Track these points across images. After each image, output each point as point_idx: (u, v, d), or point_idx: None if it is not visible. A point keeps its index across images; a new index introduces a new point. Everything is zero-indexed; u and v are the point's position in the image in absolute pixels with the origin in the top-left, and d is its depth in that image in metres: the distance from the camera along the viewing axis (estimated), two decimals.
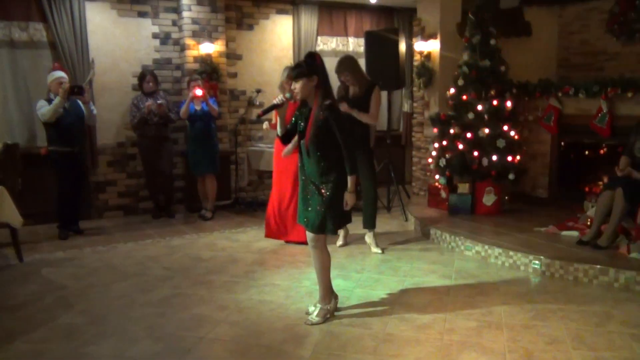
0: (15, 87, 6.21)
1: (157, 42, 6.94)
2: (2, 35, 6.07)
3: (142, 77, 6.48)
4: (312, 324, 3.56)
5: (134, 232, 6.04)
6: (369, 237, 5.28)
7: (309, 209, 3.57)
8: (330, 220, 3.53)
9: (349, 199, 3.51)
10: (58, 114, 5.53)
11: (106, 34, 6.64)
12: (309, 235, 3.60)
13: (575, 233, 5.11)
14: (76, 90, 5.61)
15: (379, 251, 5.15)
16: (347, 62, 4.99)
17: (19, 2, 6.12)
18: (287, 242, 5.44)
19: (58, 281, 4.46)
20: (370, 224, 5.26)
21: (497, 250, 4.82)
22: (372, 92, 4.97)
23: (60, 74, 5.70)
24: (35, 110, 5.73)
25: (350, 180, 3.50)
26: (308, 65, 3.48)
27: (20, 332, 3.49)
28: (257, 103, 7.25)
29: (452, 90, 6.23)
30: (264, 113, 3.81)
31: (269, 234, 5.49)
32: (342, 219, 3.62)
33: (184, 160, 7.02)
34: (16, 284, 4.42)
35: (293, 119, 3.68)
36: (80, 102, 5.80)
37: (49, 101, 5.55)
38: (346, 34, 8.18)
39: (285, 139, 3.80)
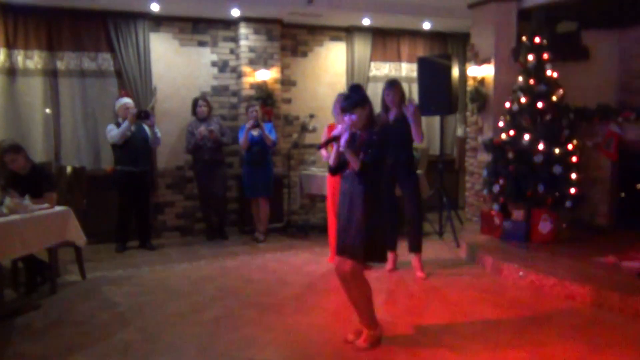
0: (84, 113, 6.62)
1: (215, 69, 7.24)
2: (74, 65, 6.52)
3: (194, 103, 6.74)
4: (361, 350, 3.56)
5: (189, 253, 6.24)
6: (415, 261, 5.25)
7: (348, 235, 3.57)
8: (363, 248, 3.47)
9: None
10: (126, 136, 5.99)
11: (168, 62, 6.99)
12: (348, 264, 3.54)
13: (637, 264, 4.88)
14: (143, 114, 6.08)
15: (423, 276, 5.12)
16: (399, 84, 5.18)
17: (90, 34, 6.57)
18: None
19: (117, 298, 4.67)
20: (415, 247, 5.23)
21: (552, 280, 4.68)
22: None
23: (127, 100, 6.21)
24: (103, 134, 6.22)
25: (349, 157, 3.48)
26: (361, 95, 3.59)
27: (81, 347, 3.67)
28: (310, 128, 7.39)
29: (507, 115, 6.15)
30: (325, 145, 3.84)
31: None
32: (374, 249, 3.52)
33: (237, 184, 7.22)
34: (79, 299, 4.66)
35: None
36: (145, 126, 6.19)
37: (118, 125, 6.05)
38: (399, 60, 8.24)
39: (335, 170, 3.72)
